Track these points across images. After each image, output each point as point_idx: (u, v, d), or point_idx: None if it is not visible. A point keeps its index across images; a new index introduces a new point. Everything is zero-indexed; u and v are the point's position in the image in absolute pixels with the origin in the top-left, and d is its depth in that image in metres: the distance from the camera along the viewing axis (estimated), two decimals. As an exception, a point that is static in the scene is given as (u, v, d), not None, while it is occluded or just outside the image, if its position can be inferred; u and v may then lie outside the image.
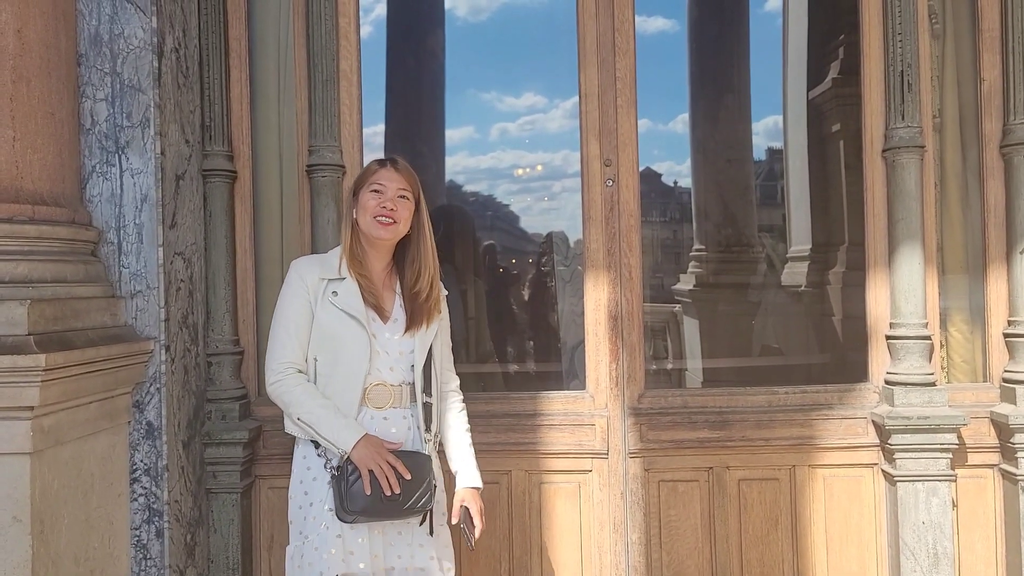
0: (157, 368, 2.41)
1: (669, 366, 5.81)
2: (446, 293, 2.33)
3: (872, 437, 2.71)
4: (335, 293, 2.13)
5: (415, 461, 2.10)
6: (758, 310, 5.41)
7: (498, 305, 6.14)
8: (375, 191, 2.16)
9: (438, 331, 2.25)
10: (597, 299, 2.77)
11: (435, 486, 2.16)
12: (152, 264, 2.41)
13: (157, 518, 2.43)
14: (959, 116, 2.81)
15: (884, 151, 2.72)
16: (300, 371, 2.14)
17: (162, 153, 2.42)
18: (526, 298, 6.36)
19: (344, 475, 2.04)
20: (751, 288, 5.64)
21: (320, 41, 2.70)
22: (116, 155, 2.40)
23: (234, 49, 2.75)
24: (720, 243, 5.83)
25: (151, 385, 2.42)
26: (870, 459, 2.73)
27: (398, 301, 2.21)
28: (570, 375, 3.34)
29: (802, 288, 5.35)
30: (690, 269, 6.02)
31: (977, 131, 2.76)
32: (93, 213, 2.40)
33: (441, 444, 2.29)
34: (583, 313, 2.82)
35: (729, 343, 5.21)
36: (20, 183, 2.15)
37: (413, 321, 2.18)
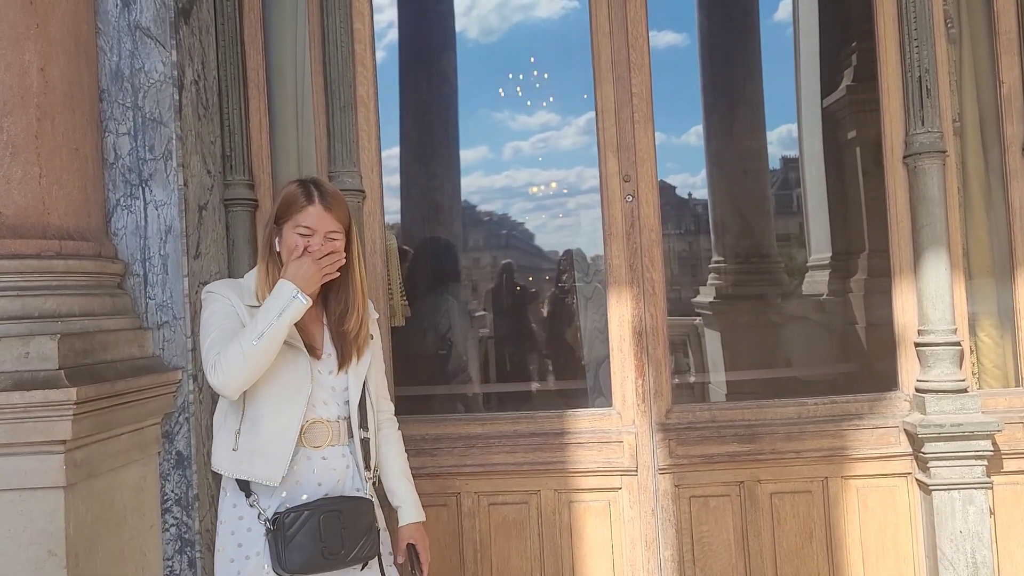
0: (185, 398, 2.42)
1: (692, 379, 5.79)
2: (376, 316, 2.19)
3: (905, 446, 2.68)
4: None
5: (357, 508, 1.97)
6: (780, 320, 5.38)
7: (518, 324, 6.15)
8: (301, 235, 1.95)
9: (371, 360, 2.10)
10: (621, 315, 2.76)
11: (379, 531, 2.04)
12: (178, 294, 2.43)
13: (189, 548, 2.43)
14: (979, 119, 2.80)
15: (905, 157, 2.70)
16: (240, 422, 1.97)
17: (185, 184, 2.44)
18: (546, 316, 6.36)
19: (281, 529, 1.89)
20: (772, 298, 5.62)
21: (337, 68, 2.73)
22: (140, 188, 2.42)
23: (252, 79, 2.78)
24: (739, 254, 5.81)
25: (180, 415, 2.43)
26: (904, 468, 2.69)
27: (327, 335, 2.06)
28: (595, 392, 3.33)
29: (824, 297, 5.32)
30: (709, 281, 6.00)
31: (998, 134, 2.75)
32: (119, 246, 2.42)
33: (379, 477, 2.16)
34: (606, 329, 2.82)
35: (752, 355, 5.18)
36: (47, 219, 2.17)
37: (345, 358, 2.04)
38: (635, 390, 2.74)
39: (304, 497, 1.96)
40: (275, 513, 1.93)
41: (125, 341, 2.29)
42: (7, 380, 1.95)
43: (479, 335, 6.03)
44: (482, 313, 6.41)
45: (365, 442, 2.05)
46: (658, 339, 2.75)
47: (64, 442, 1.95)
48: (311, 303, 1.90)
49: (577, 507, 2.77)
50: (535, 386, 5.69)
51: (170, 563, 2.42)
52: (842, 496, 2.72)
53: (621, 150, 2.75)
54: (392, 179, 6.04)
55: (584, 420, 2.77)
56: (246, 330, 1.88)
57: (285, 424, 1.95)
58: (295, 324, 1.93)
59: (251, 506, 1.96)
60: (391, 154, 6.18)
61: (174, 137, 2.43)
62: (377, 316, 2.23)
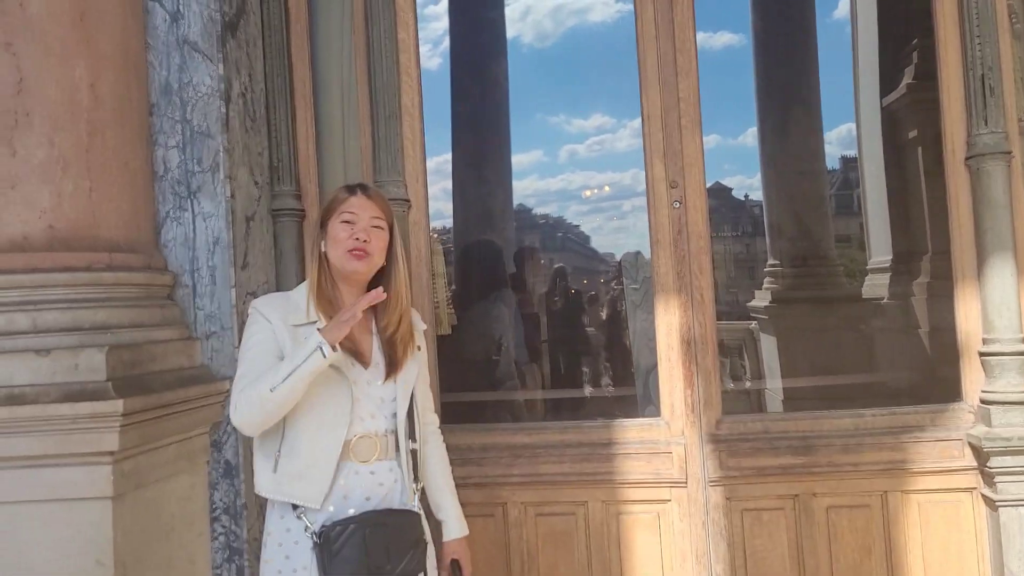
0: (233, 408, 2.44)
1: (748, 385, 5.68)
2: (424, 327, 2.18)
3: (969, 460, 2.57)
4: (307, 340, 1.87)
5: (404, 522, 1.96)
6: (838, 325, 5.24)
7: (570, 328, 6.11)
8: (346, 221, 1.97)
9: (418, 371, 2.08)
10: (669, 323, 2.70)
11: (426, 544, 2.02)
12: (226, 305, 2.45)
13: (237, 556, 2.45)
14: (1047, 118, 2.67)
15: (967, 159, 2.59)
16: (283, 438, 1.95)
17: (232, 196, 2.47)
18: (598, 321, 6.31)
19: (327, 543, 1.87)
20: (830, 302, 5.47)
21: (382, 78, 2.73)
22: (188, 200, 2.46)
23: (299, 90, 2.80)
24: (795, 257, 5.69)
25: (228, 424, 2.45)
26: (968, 483, 2.58)
27: (376, 343, 2.03)
28: (645, 400, 3.28)
29: (884, 301, 5.17)
30: (765, 285, 5.89)
31: (1067, 133, 2.62)
32: (168, 257, 2.45)
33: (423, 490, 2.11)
34: (655, 338, 2.76)
35: (810, 361, 5.05)
36: (97, 232, 2.21)
37: (392, 365, 2.01)
38: (684, 400, 2.68)
39: (351, 511, 1.94)
40: (322, 527, 1.91)
41: (174, 352, 2.32)
42: (57, 391, 1.98)
43: (532, 340, 6.00)
44: (535, 317, 6.38)
45: (413, 454, 2.03)
46: (707, 348, 2.68)
47: (112, 453, 1.98)
48: (337, 356, 1.85)
49: (626, 519, 2.72)
50: (585, 392, 5.64)
51: (219, 571, 2.44)
52: (903, 511, 2.62)
53: (668, 156, 2.70)
54: (443, 185, 6.06)
55: (632, 431, 2.72)
56: (268, 374, 1.85)
57: (325, 447, 1.93)
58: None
59: (298, 519, 1.94)
60: (444, 160, 6.21)
61: (221, 149, 2.45)
62: (425, 328, 2.20)
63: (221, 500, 2.44)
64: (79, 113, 2.19)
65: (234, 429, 2.43)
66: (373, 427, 1.98)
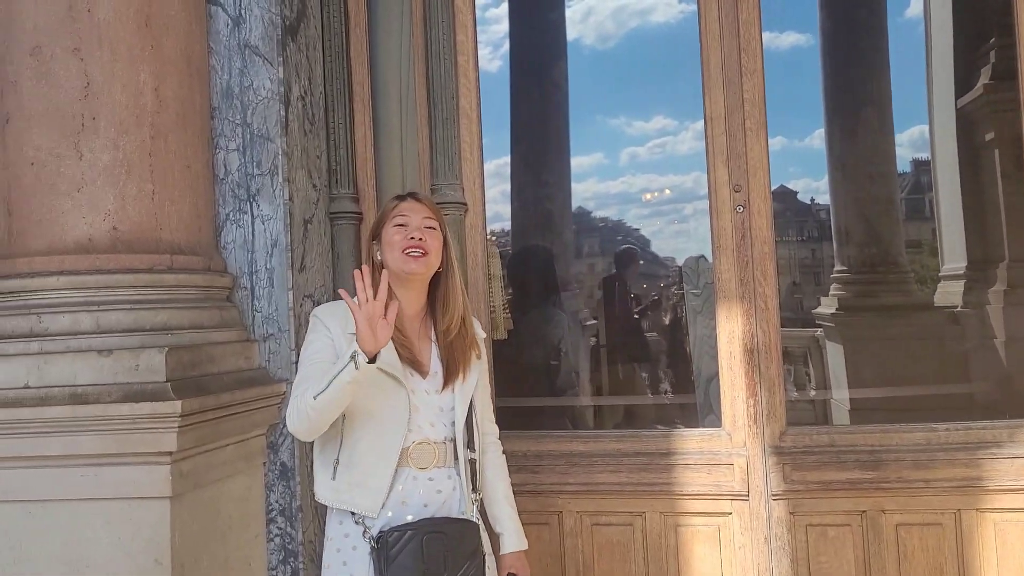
0: (289, 410, 2.45)
1: (813, 395, 5.53)
2: (483, 335, 2.16)
3: (1050, 478, 2.44)
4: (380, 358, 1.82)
5: (461, 531, 1.93)
6: (909, 334, 5.06)
7: (629, 334, 6.03)
8: (399, 225, 1.98)
9: (477, 379, 2.05)
10: (731, 331, 2.63)
11: (484, 556, 1.98)
12: (283, 307, 2.46)
13: (293, 558, 2.46)
14: None
15: (1050, 161, 2.47)
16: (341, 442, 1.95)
17: (290, 199, 2.48)
18: (657, 327, 6.22)
19: (384, 548, 1.86)
20: (900, 310, 5.30)
21: (440, 80, 2.71)
22: (248, 203, 2.47)
23: (357, 94, 2.80)
24: (864, 263, 5.53)
25: (284, 426, 2.45)
26: (1048, 503, 2.45)
27: (435, 351, 2.02)
28: (705, 408, 3.20)
29: (958, 309, 4.98)
30: (832, 291, 5.74)
31: None
32: (228, 259, 2.47)
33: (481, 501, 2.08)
34: (716, 345, 2.69)
35: (878, 371, 4.89)
36: (159, 234, 2.24)
37: (451, 373, 1.99)
38: (746, 410, 2.61)
39: (409, 518, 1.92)
40: (379, 532, 1.90)
41: (232, 353, 2.34)
42: (118, 391, 2.01)
43: (590, 345, 5.95)
44: (593, 322, 6.34)
45: (471, 463, 2.01)
46: (771, 357, 2.60)
47: (170, 453, 2.00)
48: (370, 368, 1.77)
49: (684, 531, 2.65)
50: (643, 399, 5.56)
51: (274, 573, 2.45)
52: (977, 530, 2.50)
53: (731, 159, 2.63)
54: (502, 188, 6.05)
55: (692, 441, 2.65)
56: (314, 382, 1.82)
57: (382, 456, 1.92)
58: (399, 342, 1.93)
59: (356, 523, 1.93)
60: (502, 163, 6.21)
61: (280, 152, 2.47)
62: (484, 335, 2.18)
63: (277, 502, 2.45)
64: (143, 117, 2.23)
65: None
66: (432, 434, 1.96)
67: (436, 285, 2.04)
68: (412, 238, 1.96)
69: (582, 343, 5.75)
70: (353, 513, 1.93)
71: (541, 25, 6.33)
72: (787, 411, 2.64)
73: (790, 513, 2.58)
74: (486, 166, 2.85)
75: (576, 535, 2.70)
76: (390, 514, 1.93)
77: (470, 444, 2.00)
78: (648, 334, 6.21)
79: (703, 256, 3.31)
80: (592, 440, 2.71)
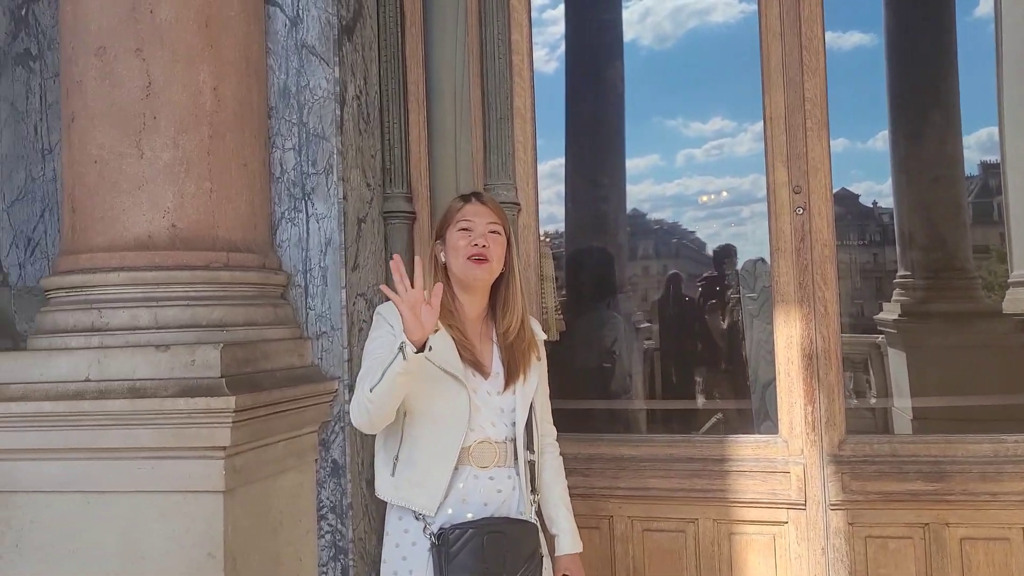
0: (341, 407, 2.46)
1: (873, 402, 5.39)
2: (543, 337, 2.15)
3: None
4: (429, 348, 1.81)
5: (521, 532, 1.94)
6: (975, 342, 4.89)
7: (683, 337, 5.96)
8: (463, 229, 1.98)
9: (537, 382, 2.06)
10: (788, 336, 2.57)
11: (542, 558, 1.99)
12: (336, 306, 2.48)
13: (343, 556, 2.47)
14: None
15: None
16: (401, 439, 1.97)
17: (344, 198, 2.49)
18: (712, 330, 6.13)
19: (445, 545, 1.87)
20: (966, 317, 5.13)
21: (494, 80, 2.71)
22: (303, 201, 2.50)
23: (412, 93, 2.81)
24: (929, 268, 5.37)
25: (336, 424, 2.47)
26: (1124, 520, 2.34)
27: (496, 352, 2.03)
28: (760, 415, 3.13)
29: (1028, 316, 4.81)
30: (894, 297, 5.58)
31: None
32: (283, 257, 2.50)
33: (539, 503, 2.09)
34: (773, 350, 2.63)
35: (942, 379, 4.74)
36: (216, 232, 2.27)
37: (512, 374, 2.00)
38: (804, 417, 2.54)
39: (469, 516, 1.94)
40: (440, 528, 1.91)
41: (285, 350, 2.36)
42: (176, 386, 2.04)
43: (643, 348, 5.89)
44: (647, 325, 6.27)
45: (531, 464, 2.02)
46: (830, 363, 2.53)
47: (224, 448, 2.02)
48: (420, 356, 1.76)
49: (738, 540, 2.60)
50: (697, 404, 5.48)
51: (324, 570, 2.46)
52: (1048, 547, 2.40)
53: (791, 159, 2.56)
54: (556, 189, 6.03)
55: (746, 447, 2.60)
56: (370, 375, 1.84)
57: (442, 455, 1.93)
58: (461, 343, 1.95)
59: (417, 519, 1.95)
60: (557, 163, 6.18)
61: (335, 152, 2.48)
62: (545, 338, 2.17)
63: (328, 499, 2.46)
64: (202, 116, 2.26)
65: (342, 429, 2.46)
66: (493, 434, 1.97)
67: (498, 287, 2.05)
68: (476, 244, 1.96)
69: (636, 345, 5.69)
70: (414, 510, 1.94)
71: (597, 25, 6.29)
72: (847, 419, 2.57)
73: (849, 524, 2.51)
74: (541, 167, 2.83)
75: (627, 540, 2.67)
76: (450, 511, 1.94)
77: (530, 445, 2.01)
78: (702, 338, 6.13)
79: (761, 259, 3.25)
80: (643, 444, 2.68)
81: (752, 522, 2.58)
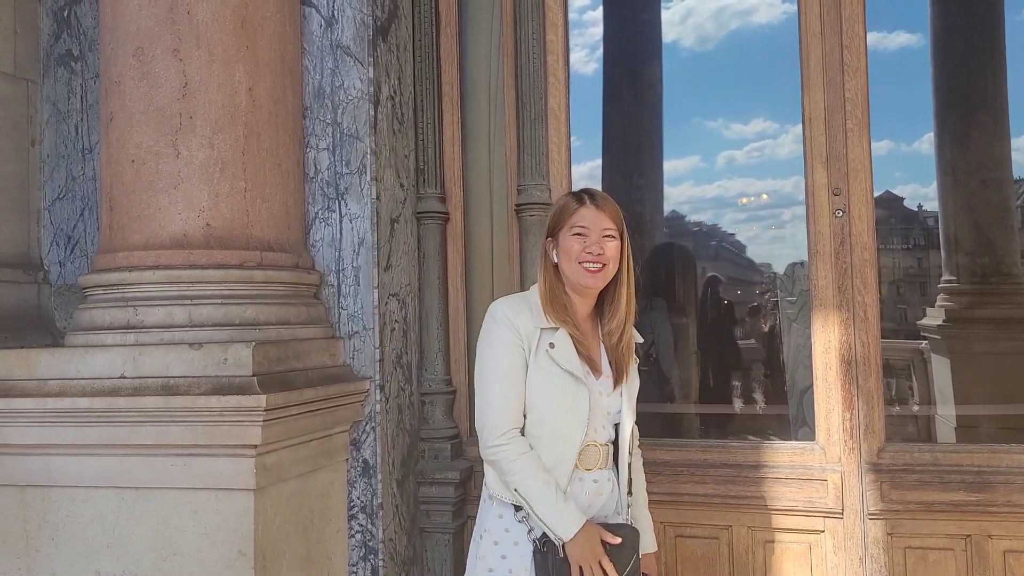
0: (372, 407, 2.47)
1: (915, 409, 5.27)
2: (640, 340, 2.08)
3: None
4: (552, 345, 1.89)
5: (628, 537, 1.90)
6: (1022, 349, 4.76)
7: (721, 341, 5.88)
8: (578, 234, 1.92)
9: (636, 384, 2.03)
10: (827, 341, 2.51)
11: (639, 561, 1.95)
12: (368, 306, 2.48)
13: (372, 556, 2.47)
14: None
15: None
16: (521, 430, 1.92)
17: (377, 198, 2.49)
18: (751, 334, 6.05)
19: (553, 550, 1.85)
20: (1014, 323, 4.99)
21: (528, 80, 2.69)
22: (336, 201, 2.50)
23: (447, 93, 2.80)
24: (975, 273, 5.24)
25: (367, 424, 2.47)
26: None
27: (603, 352, 2.00)
28: (797, 421, 3.07)
29: (1078, 324, 4.67)
30: (939, 302, 5.46)
31: None
32: (316, 257, 2.51)
33: None
34: (811, 355, 2.58)
35: (988, 387, 4.62)
36: (250, 231, 2.28)
37: (619, 373, 1.97)
38: (842, 425, 2.49)
39: None
40: (543, 533, 1.88)
41: (317, 350, 2.36)
42: (208, 384, 2.05)
43: (682, 350, 5.83)
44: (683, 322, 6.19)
45: (628, 467, 2.00)
46: (870, 369, 2.47)
47: (255, 446, 2.03)
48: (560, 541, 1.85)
49: (773, 548, 2.55)
50: (735, 407, 5.41)
51: (354, 569, 2.46)
52: (1096, 562, 2.32)
53: (831, 160, 2.51)
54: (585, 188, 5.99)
55: (783, 454, 2.55)
56: (529, 475, 1.86)
57: (562, 455, 1.90)
58: (578, 340, 1.93)
59: (519, 521, 1.91)
60: (594, 165, 6.14)
61: (368, 152, 2.48)
62: (641, 340, 2.10)
63: (359, 499, 2.47)
64: (237, 116, 2.27)
65: (372, 429, 2.47)
66: (599, 436, 1.95)
67: (608, 287, 1.99)
68: (590, 251, 1.91)
69: (676, 348, 5.63)
70: (517, 509, 1.91)
71: (635, 26, 6.24)
72: (887, 427, 2.51)
73: (888, 534, 2.45)
74: (580, 168, 2.83)
75: (660, 546, 2.62)
76: None
77: (630, 448, 2.00)
78: (742, 341, 6.05)
79: (800, 263, 3.19)
80: (676, 448, 2.64)
81: (788, 530, 2.54)
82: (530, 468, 1.86)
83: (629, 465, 1.99)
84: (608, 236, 1.93)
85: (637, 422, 2.05)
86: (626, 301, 1.99)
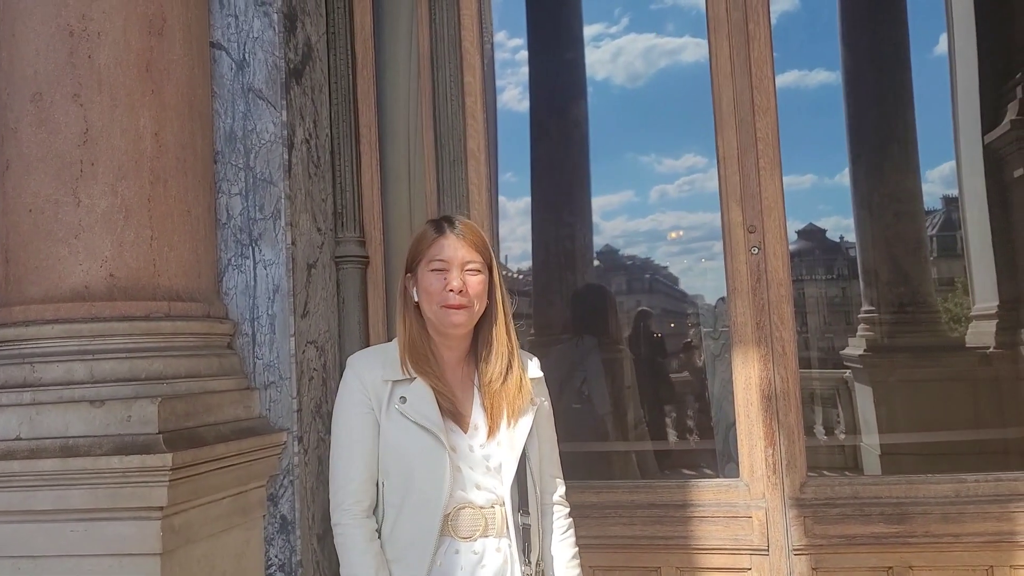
0: (290, 460, 2.38)
1: (842, 438, 5.37)
2: (540, 375, 1.89)
3: (1090, 534, 2.30)
4: (403, 399, 1.72)
5: None
6: (940, 376, 4.90)
7: (651, 376, 5.91)
8: (437, 269, 1.75)
9: (533, 427, 1.80)
10: (747, 377, 2.53)
11: None
12: (284, 354, 2.40)
13: (293, 615, 2.37)
14: None
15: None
16: (367, 508, 1.77)
17: (293, 243, 2.43)
18: (679, 369, 6.10)
19: None
20: (931, 351, 5.14)
21: (447, 122, 2.68)
22: (250, 247, 2.43)
23: (364, 136, 2.77)
24: (892, 303, 5.40)
25: (284, 478, 2.39)
26: (1089, 561, 2.31)
27: (477, 399, 1.80)
28: (724, 456, 3.09)
29: (991, 350, 4.83)
30: (859, 332, 5.61)
31: None
32: (229, 305, 2.43)
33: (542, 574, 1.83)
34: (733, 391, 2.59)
35: (909, 414, 4.74)
36: (157, 280, 2.20)
37: (495, 424, 1.77)
38: (764, 460, 2.50)
39: None
40: None
41: (230, 402, 2.28)
42: (110, 444, 1.95)
43: (613, 387, 5.83)
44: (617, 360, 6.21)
45: (525, 530, 1.77)
46: (790, 404, 2.50)
47: (161, 508, 1.93)
48: None
49: (702, 587, 2.54)
50: (668, 444, 5.43)
51: (273, 630, 2.36)
52: (1013, 589, 2.36)
53: (745, 199, 2.55)
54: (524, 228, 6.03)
55: (708, 491, 2.55)
56: (358, 566, 1.75)
57: (423, 527, 1.73)
58: (439, 391, 1.77)
59: None
60: (523, 203, 6.18)
61: (283, 196, 2.43)
62: (541, 375, 1.91)
63: (276, 557, 2.37)
64: (143, 162, 2.19)
65: (291, 483, 2.38)
66: (477, 498, 1.75)
67: (481, 326, 1.83)
68: (451, 288, 1.74)
69: (605, 385, 5.63)
70: None
71: (560, 66, 6.34)
72: (816, 456, 2.54)
73: (812, 569, 2.46)
74: (516, 204, 2.85)
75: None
76: None
77: (523, 507, 1.78)
78: (674, 375, 6.09)
79: (722, 299, 3.23)
80: (605, 491, 2.61)
81: (716, 569, 2.52)
82: (360, 558, 1.74)
83: (527, 528, 1.77)
84: (472, 271, 1.77)
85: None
86: (505, 340, 1.81)
